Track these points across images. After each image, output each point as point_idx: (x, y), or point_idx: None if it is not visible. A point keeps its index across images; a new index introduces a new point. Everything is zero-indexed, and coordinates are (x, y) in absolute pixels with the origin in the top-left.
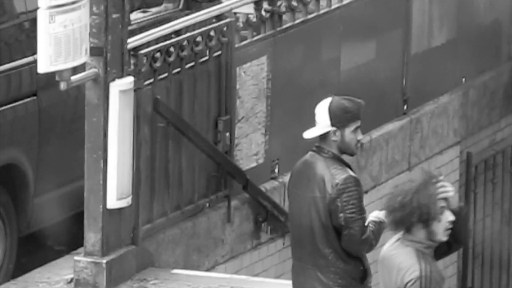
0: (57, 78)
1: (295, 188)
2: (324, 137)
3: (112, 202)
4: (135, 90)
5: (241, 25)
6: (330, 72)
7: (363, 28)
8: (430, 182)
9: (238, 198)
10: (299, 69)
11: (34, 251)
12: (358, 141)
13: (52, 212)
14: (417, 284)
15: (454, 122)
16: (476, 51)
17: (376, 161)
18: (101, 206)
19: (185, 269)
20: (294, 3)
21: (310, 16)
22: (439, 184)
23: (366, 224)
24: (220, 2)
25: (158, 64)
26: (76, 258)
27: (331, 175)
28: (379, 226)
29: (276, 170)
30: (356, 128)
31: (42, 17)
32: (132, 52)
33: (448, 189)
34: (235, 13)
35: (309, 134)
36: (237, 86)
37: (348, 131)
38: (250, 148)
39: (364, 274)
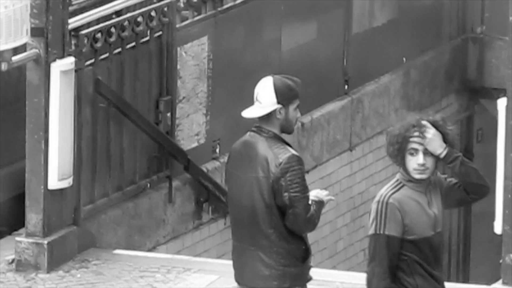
0: None
1: (235, 169)
2: (265, 116)
3: (54, 183)
4: (76, 71)
5: (182, 5)
6: (271, 53)
7: (304, 8)
8: (413, 124)
9: (179, 178)
10: (240, 49)
11: None
12: (297, 119)
13: None
14: (374, 206)
15: (395, 102)
16: (417, 31)
17: (317, 141)
18: (42, 187)
19: (127, 250)
20: None
21: None
22: (422, 128)
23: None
24: None
25: (99, 45)
26: (17, 239)
27: (274, 155)
28: (320, 205)
29: (217, 151)
30: (297, 106)
31: None
32: (73, 33)
33: (426, 133)
34: None
35: (252, 113)
36: (178, 67)
37: (291, 108)
38: (191, 128)
39: (306, 254)
